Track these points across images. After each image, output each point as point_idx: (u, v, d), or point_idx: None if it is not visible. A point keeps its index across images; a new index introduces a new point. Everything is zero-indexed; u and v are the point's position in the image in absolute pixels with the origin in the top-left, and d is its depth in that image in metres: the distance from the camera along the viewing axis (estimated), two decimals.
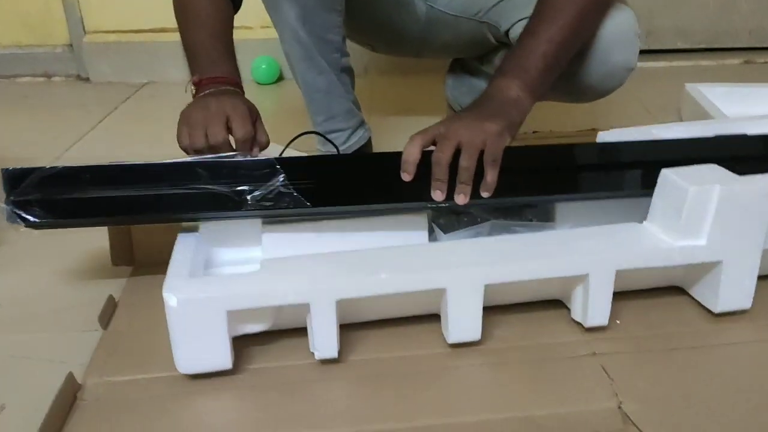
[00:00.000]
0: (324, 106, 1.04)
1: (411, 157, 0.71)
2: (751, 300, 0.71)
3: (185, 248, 0.70)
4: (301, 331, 0.68)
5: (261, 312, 0.65)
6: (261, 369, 0.67)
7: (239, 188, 0.71)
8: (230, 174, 0.72)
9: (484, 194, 0.72)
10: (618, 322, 0.71)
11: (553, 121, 1.37)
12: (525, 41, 0.79)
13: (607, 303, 0.68)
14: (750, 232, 0.68)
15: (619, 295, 0.71)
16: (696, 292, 0.74)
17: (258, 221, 0.76)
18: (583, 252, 0.67)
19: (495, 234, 0.79)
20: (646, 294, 0.75)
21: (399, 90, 1.68)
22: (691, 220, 0.68)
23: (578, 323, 0.71)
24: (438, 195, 0.71)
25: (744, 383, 0.62)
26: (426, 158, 0.71)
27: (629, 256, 0.68)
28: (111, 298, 0.78)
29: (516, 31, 0.95)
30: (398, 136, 1.33)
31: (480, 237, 0.77)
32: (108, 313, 0.76)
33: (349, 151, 1.09)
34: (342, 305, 0.65)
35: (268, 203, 0.71)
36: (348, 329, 0.70)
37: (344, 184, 0.74)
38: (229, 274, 0.72)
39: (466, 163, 0.70)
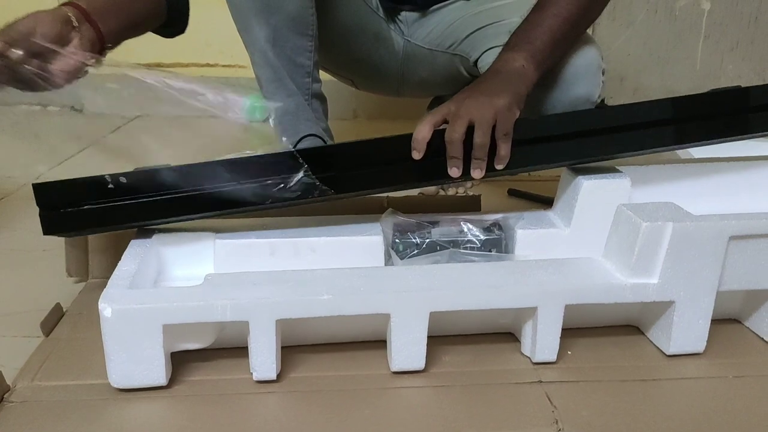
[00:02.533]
0: (292, 129, 1.04)
1: (420, 135, 0.73)
2: (705, 343, 0.69)
3: (132, 259, 0.69)
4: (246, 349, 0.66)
5: (200, 328, 0.64)
6: (198, 381, 0.65)
7: (266, 182, 0.73)
8: (255, 169, 0.73)
9: (498, 167, 0.74)
10: (569, 353, 0.70)
11: None
12: (531, 16, 0.82)
13: (555, 338, 0.67)
14: (704, 273, 0.67)
15: (574, 329, 0.70)
16: (650, 331, 0.72)
17: (212, 234, 0.75)
18: (532, 284, 0.66)
19: (453, 263, 0.78)
20: (602, 330, 0.74)
21: (386, 134, 1.70)
22: (644, 257, 0.67)
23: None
24: (455, 172, 0.74)
25: (691, 417, 0.60)
26: (438, 137, 0.74)
27: (579, 291, 0.66)
28: (58, 306, 0.77)
29: (484, 60, 0.97)
30: None
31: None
32: (52, 320, 0.74)
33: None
34: (284, 325, 0.63)
35: (293, 195, 0.73)
36: (291, 349, 0.68)
37: (363, 170, 0.77)
38: (170, 287, 0.71)
39: (481, 139, 0.72)
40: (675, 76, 1.87)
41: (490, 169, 0.75)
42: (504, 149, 0.74)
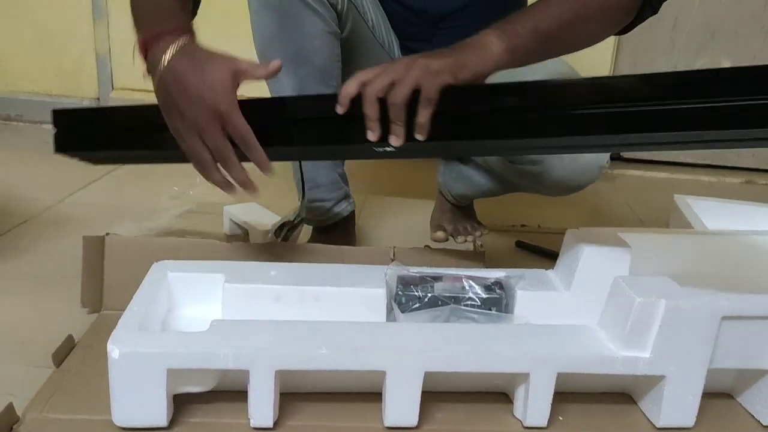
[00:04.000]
0: (310, 176, 1.08)
1: (345, 90, 0.69)
2: (695, 418, 0.70)
3: (143, 299, 0.72)
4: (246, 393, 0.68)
5: (203, 372, 0.66)
6: (197, 424, 0.67)
7: None
8: None
9: (418, 137, 0.68)
10: (561, 418, 0.71)
11: (543, 217, 1.39)
12: (520, 13, 0.77)
13: (546, 404, 0.68)
14: (695, 350, 0.68)
15: (568, 393, 0.71)
16: (641, 402, 0.73)
17: (222, 278, 0.78)
18: (526, 350, 0.68)
19: (453, 319, 0.80)
20: (595, 396, 0.75)
21: (395, 171, 1.73)
22: (636, 331, 0.68)
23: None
24: (370, 135, 0.69)
25: None
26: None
27: (572, 360, 0.68)
28: (70, 338, 0.80)
29: None
30: (388, 214, 1.38)
31: (438, 321, 0.78)
32: (64, 351, 0.77)
33: (330, 222, 1.11)
34: (282, 375, 0.66)
35: None
36: (290, 396, 0.70)
37: (286, 126, 0.74)
38: (176, 331, 0.74)
39: (393, 98, 0.67)
40: None
41: (411, 139, 0.68)
42: (422, 115, 0.67)
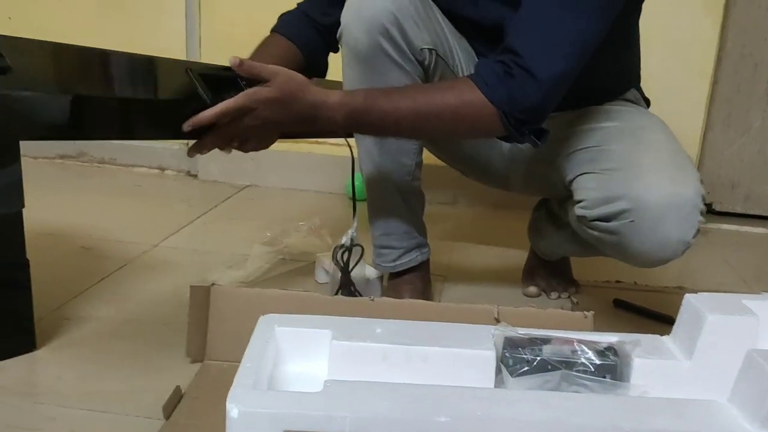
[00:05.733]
0: (382, 222, 1.09)
1: (202, 118, 0.83)
2: None
3: (254, 356, 0.72)
4: None
5: None
6: None
7: None
8: None
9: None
10: None
11: (638, 272, 1.34)
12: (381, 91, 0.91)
13: None
14: None
15: None
16: None
17: (329, 334, 0.77)
18: (655, 427, 0.64)
19: (564, 386, 0.77)
20: None
21: (486, 222, 1.71)
22: None
23: None
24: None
25: None
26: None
27: None
28: (178, 389, 0.80)
29: (578, 184, 0.97)
30: (477, 265, 1.36)
31: (548, 386, 0.75)
32: (173, 403, 0.78)
33: (399, 270, 1.13)
34: None
35: None
36: None
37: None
38: (292, 392, 0.73)
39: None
40: None
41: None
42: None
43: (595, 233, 0.95)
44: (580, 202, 0.94)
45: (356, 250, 1.08)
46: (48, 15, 1.95)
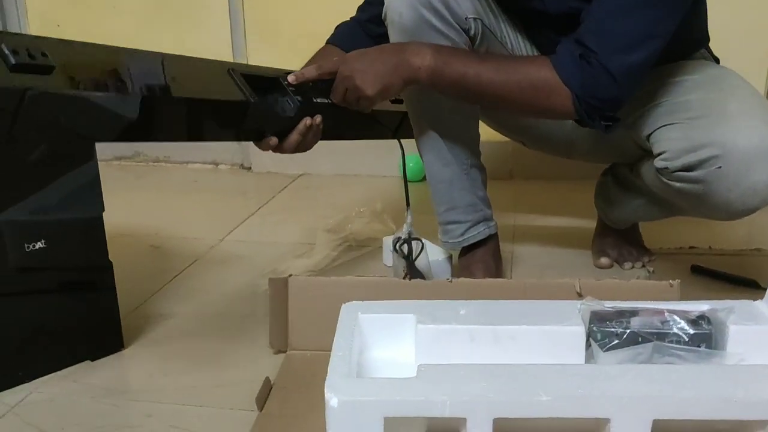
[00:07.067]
0: (446, 197, 1.08)
1: (307, 74, 0.97)
2: None
3: (342, 343, 0.72)
4: None
5: (415, 420, 0.65)
6: None
7: None
8: None
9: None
10: None
11: (712, 236, 1.30)
12: (469, 55, 0.95)
13: None
14: None
15: None
16: None
17: (413, 318, 0.77)
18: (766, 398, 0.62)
19: (657, 357, 0.75)
20: None
21: (544, 195, 1.69)
22: None
23: None
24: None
25: None
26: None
27: None
28: (267, 380, 0.81)
29: (657, 137, 0.93)
30: (543, 239, 1.34)
31: (640, 358, 0.73)
32: (264, 394, 0.79)
33: (466, 244, 1.12)
34: (499, 423, 0.63)
35: None
36: None
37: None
38: (389, 378, 0.73)
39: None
40: None
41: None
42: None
43: (677, 185, 0.92)
44: (660, 154, 0.92)
45: (416, 244, 1.06)
46: (94, 20, 1.99)
